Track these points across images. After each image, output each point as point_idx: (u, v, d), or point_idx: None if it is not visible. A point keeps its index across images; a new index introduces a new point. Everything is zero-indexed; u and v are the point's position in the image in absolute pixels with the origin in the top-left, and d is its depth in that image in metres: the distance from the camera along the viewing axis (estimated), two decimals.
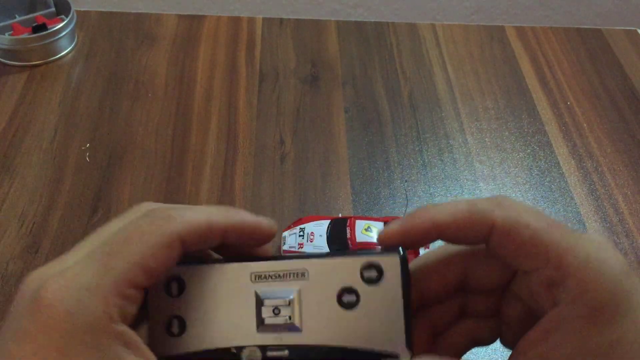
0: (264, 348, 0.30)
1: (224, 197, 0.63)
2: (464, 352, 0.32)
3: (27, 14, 0.80)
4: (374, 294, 0.30)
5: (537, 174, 0.68)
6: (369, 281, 0.30)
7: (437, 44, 0.83)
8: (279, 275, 0.30)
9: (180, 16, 0.85)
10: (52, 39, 0.76)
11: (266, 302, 0.30)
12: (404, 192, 0.65)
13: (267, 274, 0.30)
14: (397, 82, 0.77)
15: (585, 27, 0.88)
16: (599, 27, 0.88)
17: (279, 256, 0.31)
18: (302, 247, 0.55)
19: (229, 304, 0.30)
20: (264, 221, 0.30)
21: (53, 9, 0.80)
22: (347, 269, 0.30)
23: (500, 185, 0.66)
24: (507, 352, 0.31)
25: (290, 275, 0.30)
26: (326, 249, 0.54)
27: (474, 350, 0.33)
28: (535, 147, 0.71)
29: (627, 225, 0.63)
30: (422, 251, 0.55)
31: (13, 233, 0.58)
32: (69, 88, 0.74)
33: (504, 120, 0.74)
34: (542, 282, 0.27)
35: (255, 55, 0.80)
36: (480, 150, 0.70)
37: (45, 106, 0.72)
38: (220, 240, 0.29)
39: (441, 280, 0.31)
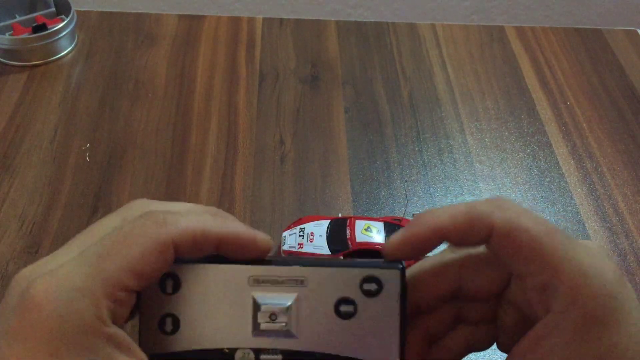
0: (257, 351, 0.30)
1: (224, 197, 0.63)
2: (460, 358, 0.32)
3: (27, 14, 0.80)
4: (371, 306, 0.30)
5: (537, 174, 0.68)
6: (367, 294, 0.30)
7: (437, 44, 0.84)
8: (278, 281, 0.30)
9: (180, 16, 0.85)
10: (52, 39, 0.76)
11: (263, 307, 0.30)
12: (404, 192, 0.65)
13: (265, 278, 0.30)
14: (397, 82, 0.77)
15: (585, 27, 0.88)
16: (599, 27, 0.88)
17: (277, 260, 0.31)
18: (301, 247, 0.55)
19: (224, 305, 0.30)
20: (260, 236, 0.30)
21: (53, 9, 0.80)
22: (347, 280, 0.30)
23: (500, 186, 0.66)
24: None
25: (289, 282, 0.30)
26: (326, 249, 0.54)
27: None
28: (535, 147, 0.71)
29: (627, 225, 0.63)
30: None
31: (13, 233, 0.58)
32: (69, 88, 0.74)
33: (503, 121, 0.74)
34: (536, 287, 0.27)
35: (255, 55, 0.80)
36: (480, 151, 0.70)
37: (45, 106, 0.72)
38: (213, 249, 0.29)
39: (436, 289, 0.31)
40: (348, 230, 0.56)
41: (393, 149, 0.69)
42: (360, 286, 0.30)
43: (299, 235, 0.56)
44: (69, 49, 0.79)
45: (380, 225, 0.56)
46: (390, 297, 0.30)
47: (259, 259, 0.30)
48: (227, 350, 0.30)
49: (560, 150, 0.70)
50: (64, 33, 0.76)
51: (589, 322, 0.26)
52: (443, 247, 0.31)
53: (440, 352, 0.32)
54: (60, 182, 0.63)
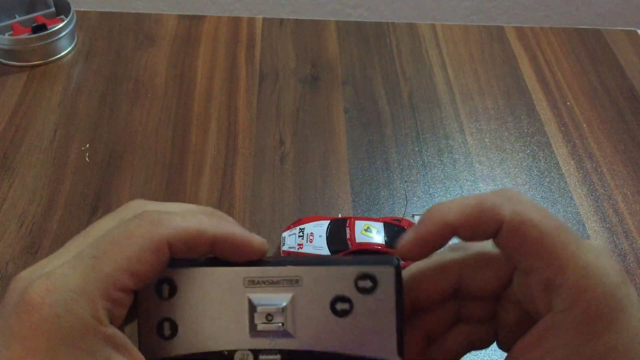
0: (256, 352, 0.30)
1: (224, 197, 0.63)
2: (460, 357, 0.32)
3: (27, 14, 0.80)
4: (367, 303, 0.30)
5: (537, 175, 0.68)
6: (363, 291, 0.30)
7: (437, 44, 0.84)
8: (273, 282, 0.30)
9: (180, 16, 0.85)
10: (52, 39, 0.76)
11: (259, 308, 0.30)
12: (404, 192, 0.65)
13: (260, 279, 0.30)
14: (397, 82, 0.77)
15: (585, 27, 0.88)
16: (598, 27, 0.88)
17: (271, 261, 0.31)
18: (301, 248, 0.55)
19: (221, 308, 0.30)
20: (255, 239, 0.30)
21: (53, 9, 0.80)
22: (342, 278, 0.30)
23: (500, 186, 0.66)
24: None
25: (284, 282, 0.30)
26: (326, 250, 0.54)
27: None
28: (534, 148, 0.71)
29: (627, 226, 0.63)
30: None
31: (13, 233, 0.58)
32: (69, 88, 0.74)
33: (503, 121, 0.74)
34: (541, 283, 0.27)
35: (255, 55, 0.80)
36: (480, 151, 0.70)
37: (45, 106, 0.72)
38: (208, 249, 0.29)
39: (436, 287, 0.31)
40: (348, 231, 0.56)
41: (393, 149, 0.69)
42: (356, 284, 0.30)
43: (299, 236, 0.56)
44: (69, 49, 0.79)
45: (380, 225, 0.56)
46: (385, 293, 0.30)
47: (254, 261, 0.30)
48: (226, 353, 0.30)
49: (560, 150, 0.71)
50: (63, 33, 0.76)
51: (591, 321, 0.26)
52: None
53: (440, 350, 0.32)
54: (60, 182, 0.63)
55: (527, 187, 0.66)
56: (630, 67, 0.82)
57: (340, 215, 0.60)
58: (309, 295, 0.30)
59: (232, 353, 0.30)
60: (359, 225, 0.56)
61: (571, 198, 0.65)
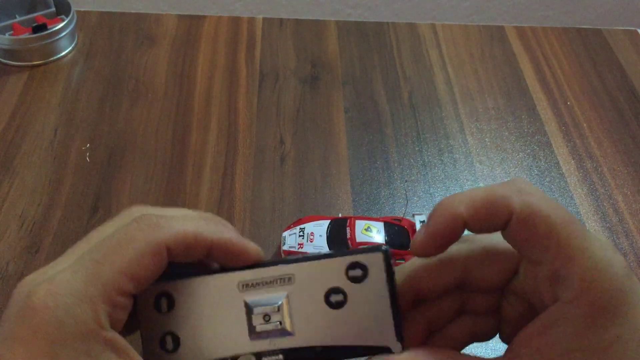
0: (258, 355, 0.30)
1: (224, 197, 0.63)
2: (462, 348, 0.32)
3: (27, 14, 0.80)
4: (360, 291, 0.30)
5: (537, 174, 0.68)
6: (354, 280, 0.30)
7: (437, 44, 0.84)
8: (266, 282, 0.30)
9: (180, 16, 0.85)
10: (52, 39, 0.76)
11: (256, 310, 0.30)
12: (404, 192, 0.65)
13: (254, 281, 0.30)
14: (397, 82, 0.77)
15: (585, 27, 0.88)
16: (599, 27, 0.88)
17: (263, 262, 0.31)
18: (302, 247, 0.55)
19: (219, 315, 0.30)
20: (251, 246, 0.30)
21: (53, 9, 0.80)
22: (333, 270, 0.30)
23: None
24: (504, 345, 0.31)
25: (277, 281, 0.30)
26: (326, 249, 0.54)
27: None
28: (535, 147, 0.71)
29: (627, 226, 0.63)
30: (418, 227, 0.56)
31: (13, 233, 0.58)
32: (69, 88, 0.74)
33: (503, 121, 0.74)
34: (548, 274, 0.28)
35: (255, 55, 0.80)
36: (480, 151, 0.70)
37: (45, 106, 0.72)
38: (205, 253, 0.30)
39: (441, 279, 0.31)
40: (348, 230, 0.56)
41: (393, 149, 0.69)
42: (347, 274, 0.30)
43: (299, 235, 0.56)
44: (69, 49, 0.79)
45: (380, 225, 0.56)
46: (377, 280, 0.30)
47: (246, 265, 0.31)
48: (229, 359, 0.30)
49: (561, 150, 0.71)
50: (64, 33, 0.76)
51: (597, 313, 0.26)
52: None
53: (442, 341, 0.32)
54: (60, 182, 0.63)
55: None
56: (630, 67, 0.82)
57: (340, 215, 0.60)
58: (303, 291, 0.30)
59: (235, 359, 0.30)
60: (360, 224, 0.56)
61: (571, 198, 0.65)
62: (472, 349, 0.32)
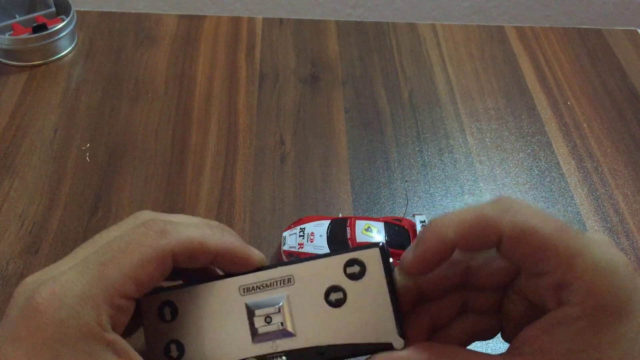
0: (262, 358, 0.30)
1: (224, 197, 0.63)
2: (464, 346, 0.32)
3: (27, 14, 0.80)
4: (359, 288, 0.30)
5: (537, 174, 0.68)
6: (353, 277, 0.30)
7: (437, 44, 0.84)
8: (267, 285, 0.31)
9: (180, 16, 0.85)
10: (52, 39, 0.76)
11: (257, 312, 0.30)
12: (404, 192, 0.65)
13: (254, 285, 0.31)
14: (397, 82, 0.77)
15: (585, 27, 0.88)
16: (599, 27, 0.88)
17: (263, 266, 0.32)
18: (302, 247, 0.55)
19: (222, 320, 0.30)
20: (254, 254, 0.31)
21: (53, 9, 0.80)
22: (331, 269, 0.30)
23: (501, 186, 0.66)
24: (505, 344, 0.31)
25: (277, 283, 0.30)
26: (326, 249, 0.54)
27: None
28: (535, 147, 0.71)
29: (627, 226, 0.63)
30: (419, 227, 0.56)
31: (13, 233, 0.58)
32: (69, 88, 0.74)
33: (504, 121, 0.74)
34: (550, 284, 0.28)
35: (255, 55, 0.80)
36: (481, 151, 0.70)
37: (45, 106, 0.72)
38: (210, 261, 0.30)
39: (444, 278, 0.31)
40: (348, 231, 0.56)
41: (393, 149, 0.69)
42: (345, 271, 0.30)
43: (299, 235, 0.56)
44: (69, 49, 0.79)
45: (381, 225, 0.56)
46: (375, 276, 0.30)
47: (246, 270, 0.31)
48: None
49: (561, 150, 0.70)
50: (64, 33, 0.76)
51: (601, 313, 0.26)
52: None
53: (445, 339, 0.32)
54: (60, 182, 0.63)
55: (527, 186, 0.66)
56: (630, 67, 0.82)
57: (340, 215, 0.60)
58: (303, 291, 0.30)
59: None
60: (360, 225, 0.56)
61: (572, 198, 0.65)
62: (472, 348, 0.32)
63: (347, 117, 0.72)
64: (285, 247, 0.56)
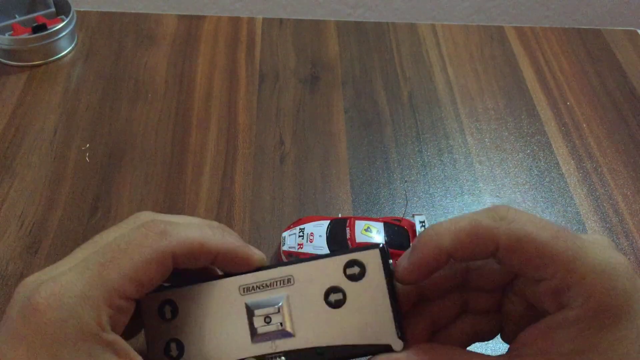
0: (261, 358, 0.30)
1: (224, 197, 0.63)
2: (464, 347, 0.32)
3: (27, 14, 0.80)
4: (359, 289, 0.30)
5: (537, 175, 0.68)
6: (352, 278, 0.30)
7: (437, 44, 0.84)
8: (266, 285, 0.31)
9: (180, 16, 0.85)
10: (52, 39, 0.76)
11: (257, 311, 0.30)
12: (404, 192, 0.65)
13: (254, 285, 0.31)
14: (397, 82, 0.77)
15: (585, 27, 0.88)
16: (599, 27, 0.88)
17: (263, 266, 0.32)
18: (301, 248, 0.55)
19: (222, 319, 0.31)
20: (255, 254, 0.31)
21: (53, 9, 0.80)
22: (331, 269, 0.30)
23: (500, 186, 0.66)
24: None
25: (277, 283, 0.30)
26: (326, 250, 0.54)
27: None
28: (534, 148, 0.71)
29: (627, 226, 0.63)
30: (418, 228, 0.56)
31: (13, 233, 0.58)
32: (69, 88, 0.74)
33: (503, 121, 0.74)
34: (549, 290, 0.28)
35: (255, 55, 0.80)
36: (480, 151, 0.70)
37: (45, 106, 0.72)
38: (210, 261, 0.30)
39: (444, 279, 0.31)
40: (348, 231, 0.56)
41: (393, 149, 0.69)
42: (344, 272, 0.30)
43: (299, 236, 0.56)
44: (69, 49, 0.79)
45: (380, 225, 0.56)
46: (375, 277, 0.30)
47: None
48: None
49: (560, 150, 0.71)
50: (64, 33, 0.76)
51: (601, 315, 0.26)
52: None
53: (445, 340, 0.32)
54: (60, 182, 0.63)
55: (527, 187, 0.66)
56: (630, 67, 0.82)
57: (340, 215, 0.60)
58: (303, 291, 0.30)
59: None
60: (359, 225, 0.56)
61: (571, 198, 0.65)
62: (472, 349, 0.32)
63: (347, 117, 0.72)
64: (284, 248, 0.56)
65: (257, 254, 0.31)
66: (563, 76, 0.80)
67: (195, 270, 0.32)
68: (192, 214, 0.62)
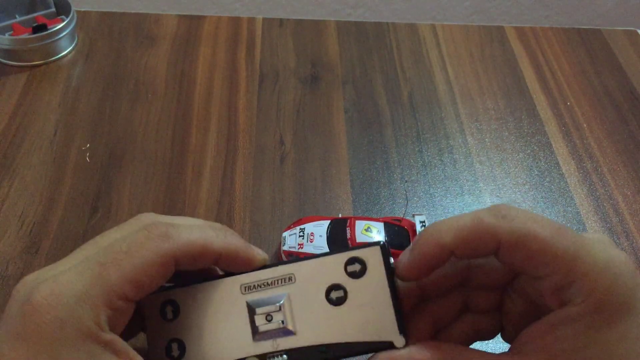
0: (262, 357, 0.30)
1: (224, 197, 0.63)
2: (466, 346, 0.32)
3: (27, 14, 0.80)
4: (360, 287, 0.30)
5: (537, 175, 0.68)
6: (353, 275, 0.30)
7: (437, 44, 0.84)
8: (268, 283, 0.31)
9: (180, 16, 0.85)
10: (52, 39, 0.76)
11: (258, 310, 0.30)
12: (404, 192, 0.65)
13: (256, 283, 0.31)
14: (397, 82, 0.77)
15: (585, 27, 0.88)
16: (599, 27, 0.88)
17: (265, 265, 0.32)
18: (302, 248, 0.55)
19: (223, 319, 0.30)
20: (257, 254, 0.31)
21: (53, 9, 0.80)
22: (332, 267, 0.30)
23: (500, 186, 0.66)
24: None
25: (278, 282, 0.31)
26: (326, 249, 0.54)
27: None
28: (535, 148, 0.71)
29: (627, 226, 0.63)
30: (418, 228, 0.56)
31: (13, 233, 0.58)
32: (69, 88, 0.74)
33: (503, 121, 0.74)
34: (551, 287, 0.28)
35: (255, 55, 0.80)
36: (480, 151, 0.70)
37: (45, 106, 0.72)
38: (213, 262, 0.30)
39: (445, 277, 0.31)
40: (348, 231, 0.56)
41: (393, 149, 0.69)
42: (345, 269, 0.30)
43: (299, 236, 0.56)
44: (69, 49, 0.79)
45: (381, 225, 0.56)
46: (376, 274, 0.30)
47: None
48: None
49: (560, 150, 0.71)
50: (64, 33, 0.76)
51: (603, 311, 0.26)
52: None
53: (446, 339, 0.32)
54: (60, 182, 0.63)
55: (527, 187, 0.66)
56: (630, 67, 0.82)
57: (340, 215, 0.60)
58: (304, 289, 0.30)
59: None
60: (360, 225, 0.56)
61: (571, 198, 0.65)
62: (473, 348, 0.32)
63: (347, 117, 0.72)
64: (285, 247, 0.56)
65: (260, 254, 0.31)
66: (563, 76, 0.80)
67: (196, 270, 0.32)
68: (192, 213, 0.62)
